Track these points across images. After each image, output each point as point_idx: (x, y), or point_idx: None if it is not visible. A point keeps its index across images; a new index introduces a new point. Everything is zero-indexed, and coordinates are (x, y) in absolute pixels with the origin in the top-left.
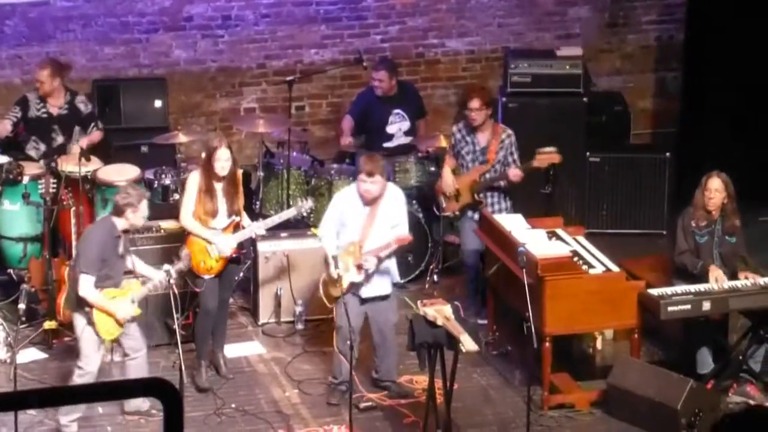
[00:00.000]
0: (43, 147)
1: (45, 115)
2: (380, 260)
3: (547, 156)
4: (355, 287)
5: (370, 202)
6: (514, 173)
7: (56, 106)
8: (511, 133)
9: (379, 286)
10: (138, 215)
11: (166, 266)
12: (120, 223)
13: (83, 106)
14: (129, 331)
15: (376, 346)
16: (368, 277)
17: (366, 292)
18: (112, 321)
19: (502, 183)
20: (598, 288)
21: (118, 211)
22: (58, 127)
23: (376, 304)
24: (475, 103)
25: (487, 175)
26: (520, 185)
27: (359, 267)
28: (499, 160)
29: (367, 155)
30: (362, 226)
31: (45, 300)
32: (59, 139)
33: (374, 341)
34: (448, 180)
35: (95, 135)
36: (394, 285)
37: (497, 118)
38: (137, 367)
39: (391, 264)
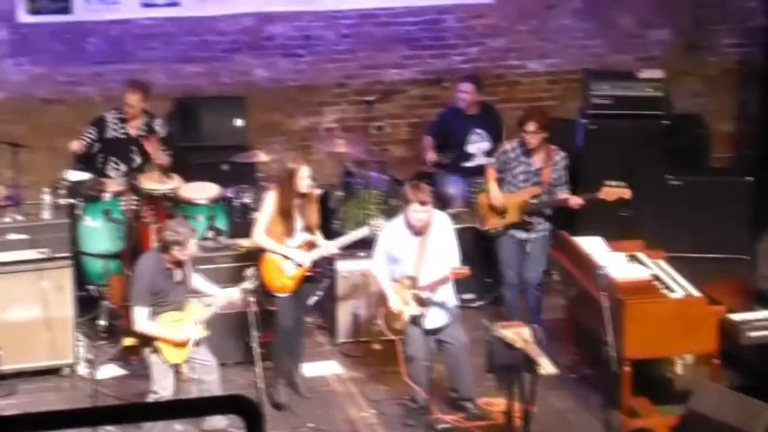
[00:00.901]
0: (123, 167)
1: (124, 136)
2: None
3: (617, 190)
4: (417, 318)
5: (420, 231)
6: (576, 201)
7: (135, 126)
8: (564, 155)
9: (440, 317)
10: (184, 252)
11: (232, 288)
12: (166, 258)
13: (160, 128)
14: (197, 355)
15: (451, 368)
16: (427, 308)
17: (428, 324)
18: (175, 346)
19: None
20: (679, 312)
21: (164, 248)
22: (136, 148)
23: (441, 332)
24: (531, 126)
25: (541, 198)
26: (594, 208)
27: (419, 300)
28: (551, 183)
29: (412, 185)
30: (415, 258)
31: (124, 316)
32: (138, 160)
33: (448, 364)
34: (499, 196)
35: (163, 157)
36: (453, 308)
37: (577, 140)
38: (208, 393)
39: (448, 292)
